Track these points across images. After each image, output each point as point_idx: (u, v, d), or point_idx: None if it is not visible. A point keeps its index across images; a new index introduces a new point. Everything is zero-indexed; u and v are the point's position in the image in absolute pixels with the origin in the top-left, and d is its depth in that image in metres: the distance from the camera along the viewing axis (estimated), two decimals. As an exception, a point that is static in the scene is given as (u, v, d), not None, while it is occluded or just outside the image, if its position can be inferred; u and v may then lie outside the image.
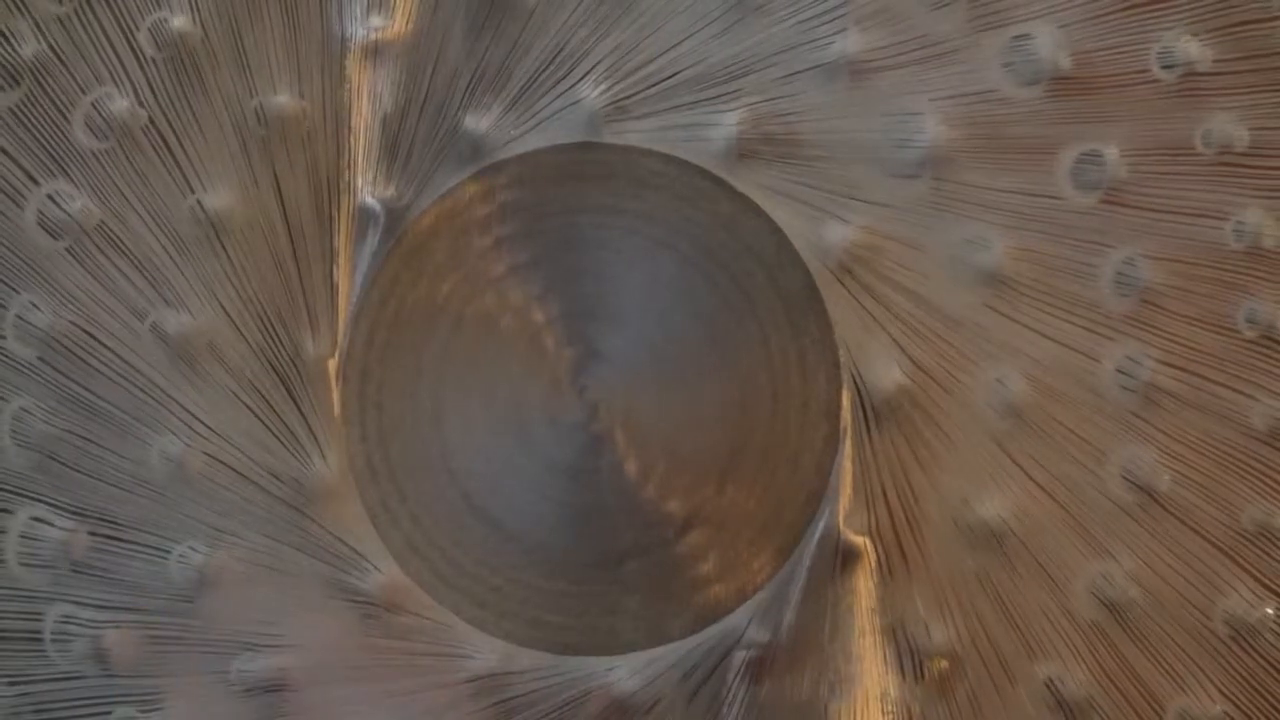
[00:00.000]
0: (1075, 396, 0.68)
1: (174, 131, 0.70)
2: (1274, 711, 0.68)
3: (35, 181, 0.70)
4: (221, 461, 0.69)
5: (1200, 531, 0.68)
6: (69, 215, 0.70)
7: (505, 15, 0.70)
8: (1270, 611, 0.68)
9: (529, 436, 0.68)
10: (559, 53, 0.70)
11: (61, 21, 0.71)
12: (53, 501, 0.69)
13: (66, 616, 0.69)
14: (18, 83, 0.70)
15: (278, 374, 0.69)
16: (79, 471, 0.69)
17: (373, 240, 0.70)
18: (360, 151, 0.70)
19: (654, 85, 0.70)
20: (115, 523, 0.69)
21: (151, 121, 0.70)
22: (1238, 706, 0.68)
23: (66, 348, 0.69)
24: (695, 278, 0.69)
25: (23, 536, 0.69)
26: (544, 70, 0.70)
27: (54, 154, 0.70)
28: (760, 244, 0.69)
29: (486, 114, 0.70)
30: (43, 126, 0.70)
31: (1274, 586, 0.68)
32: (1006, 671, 0.68)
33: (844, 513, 0.68)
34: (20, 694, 0.69)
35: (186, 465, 0.69)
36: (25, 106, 0.70)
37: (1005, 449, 0.68)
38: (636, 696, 0.68)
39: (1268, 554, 0.68)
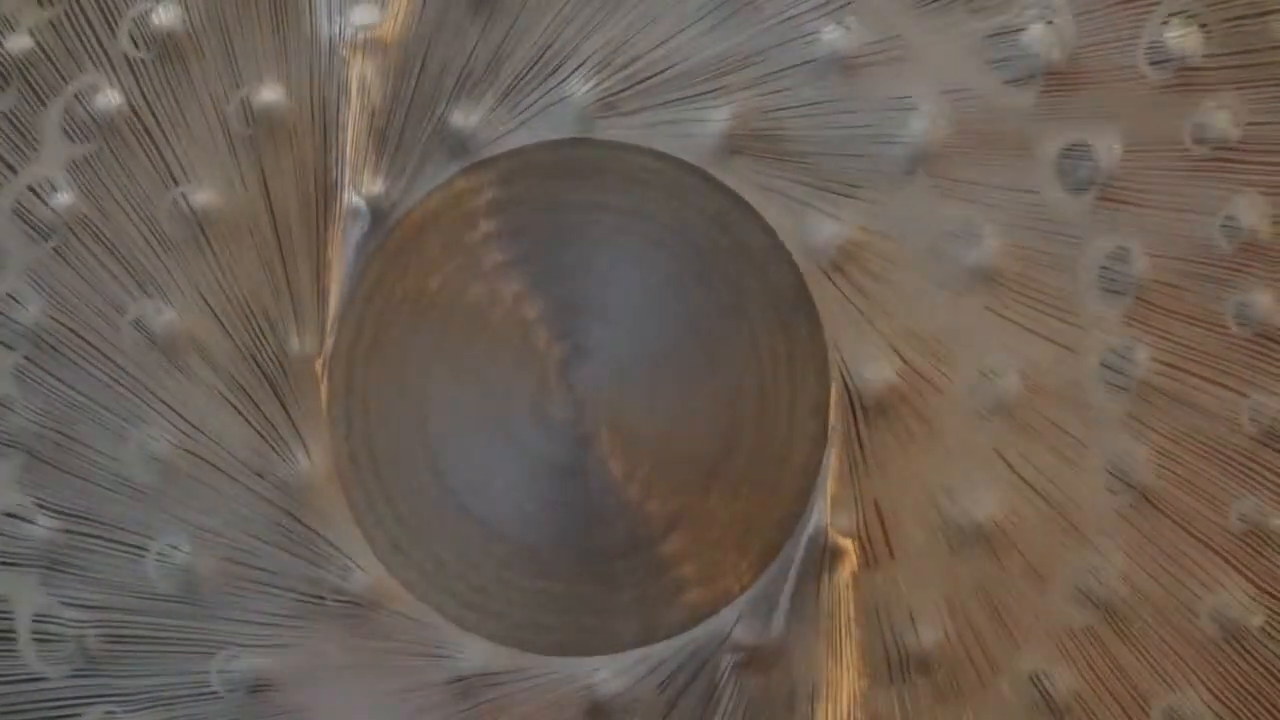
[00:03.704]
0: (1065, 394, 0.68)
1: (160, 127, 0.70)
2: (1262, 710, 0.68)
3: (16, 174, 0.70)
4: (205, 460, 0.69)
5: (1190, 529, 0.68)
6: (53, 211, 0.70)
7: (493, 10, 0.70)
8: (1261, 619, 0.68)
9: (516, 434, 0.68)
10: (548, 48, 0.70)
11: (52, 21, 0.71)
12: (34, 499, 0.69)
13: (47, 616, 0.68)
14: (8, 83, 0.70)
15: (263, 372, 0.69)
16: (61, 469, 0.69)
17: (360, 237, 0.70)
18: (348, 148, 0.70)
19: (643, 81, 0.70)
20: (97, 521, 0.69)
21: (137, 117, 0.70)
22: (1226, 705, 0.68)
23: (49, 344, 0.69)
24: (684, 274, 0.69)
25: (6, 536, 0.69)
26: (533, 66, 0.70)
27: (39, 148, 0.70)
28: (750, 241, 0.69)
29: (475, 110, 0.70)
30: (27, 122, 0.70)
31: (1264, 585, 0.68)
32: (994, 671, 0.68)
33: (832, 512, 0.68)
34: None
35: (170, 463, 0.69)
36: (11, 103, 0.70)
37: (995, 447, 0.68)
38: (621, 697, 0.68)
39: (1257, 552, 0.68)
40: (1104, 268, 0.68)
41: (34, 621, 0.69)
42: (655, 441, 0.68)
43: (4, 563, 0.69)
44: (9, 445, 0.69)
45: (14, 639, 0.69)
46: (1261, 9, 0.69)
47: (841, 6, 0.69)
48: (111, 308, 0.69)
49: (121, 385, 0.69)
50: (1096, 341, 0.68)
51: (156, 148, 0.70)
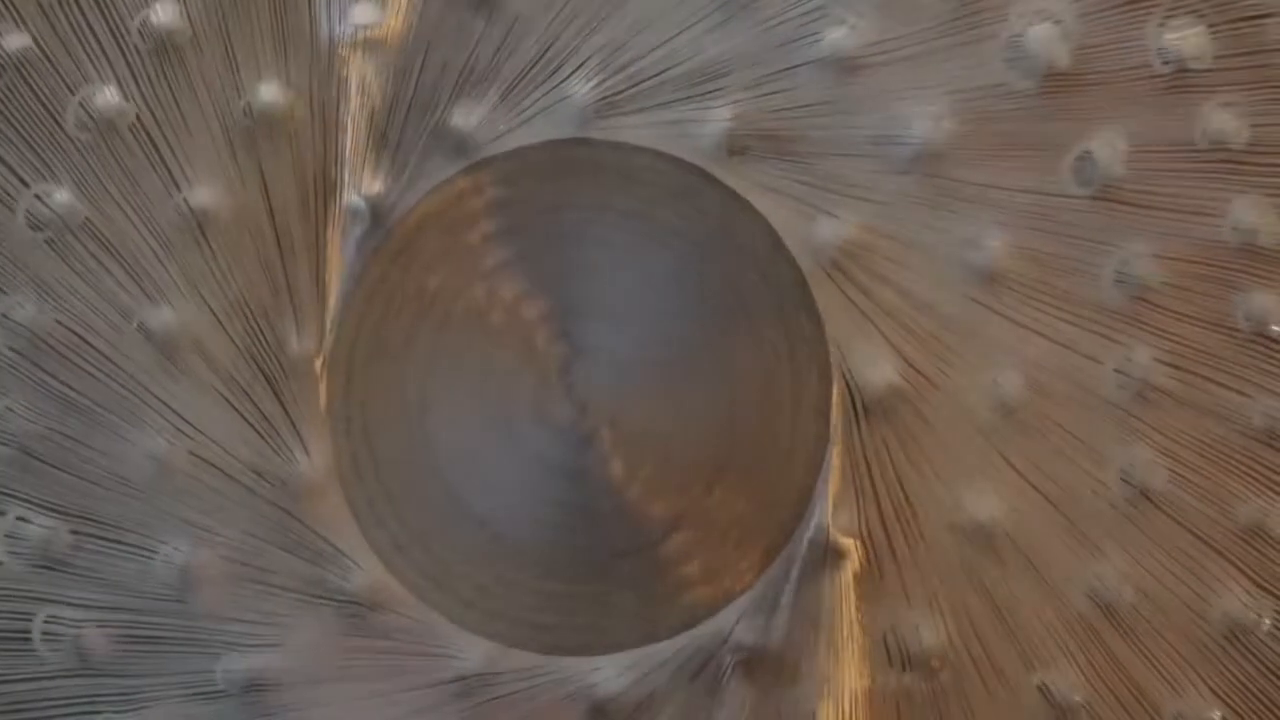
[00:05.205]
0: (1070, 395, 0.68)
1: (159, 126, 0.70)
2: (1268, 713, 0.69)
3: (18, 176, 0.70)
4: (205, 459, 0.69)
5: (1195, 531, 0.68)
6: (52, 211, 0.69)
7: (494, 10, 0.70)
8: (1266, 621, 0.68)
9: (516, 434, 0.68)
10: (548, 48, 0.70)
11: (46, 14, 0.70)
12: (34, 500, 0.69)
13: (49, 616, 0.68)
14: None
15: (262, 371, 0.69)
16: (61, 469, 0.69)
17: (360, 236, 0.70)
18: (348, 147, 0.70)
19: (644, 81, 0.70)
20: (98, 521, 0.69)
21: (137, 116, 0.70)
22: (1232, 708, 0.68)
23: (49, 344, 0.69)
24: (685, 274, 0.69)
25: (7, 536, 0.69)
26: (533, 66, 0.70)
27: (37, 148, 0.70)
28: (751, 240, 0.69)
29: (475, 109, 0.70)
30: (26, 120, 0.70)
31: (1269, 587, 0.68)
32: (998, 672, 0.68)
33: (834, 513, 0.68)
34: (1, 694, 0.69)
35: (170, 463, 0.69)
36: (7, 99, 0.70)
37: (998, 448, 0.68)
38: (623, 697, 0.67)
39: (1263, 554, 0.68)
40: (1110, 269, 0.68)
41: (41, 621, 0.69)
42: (657, 441, 0.68)
43: (10, 563, 0.69)
44: (8, 445, 0.69)
45: (25, 638, 0.69)
46: (1269, 10, 0.69)
47: (843, 6, 0.69)
48: (110, 307, 0.69)
49: (120, 385, 0.69)
50: (1102, 343, 0.68)
51: (156, 148, 0.70)
